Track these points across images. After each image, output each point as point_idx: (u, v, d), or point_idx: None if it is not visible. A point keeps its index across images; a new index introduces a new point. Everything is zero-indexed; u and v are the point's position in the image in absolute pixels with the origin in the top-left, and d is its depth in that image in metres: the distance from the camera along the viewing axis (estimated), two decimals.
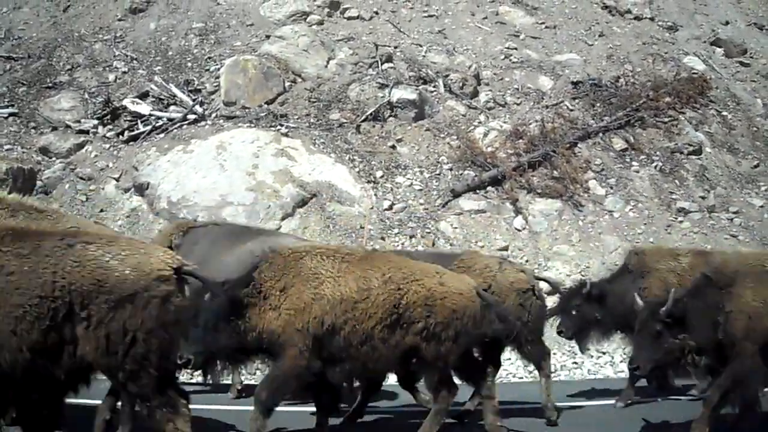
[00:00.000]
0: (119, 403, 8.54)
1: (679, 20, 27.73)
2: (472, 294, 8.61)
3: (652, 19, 27.30)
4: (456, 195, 19.01)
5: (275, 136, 19.48)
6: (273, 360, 8.29)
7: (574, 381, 14.71)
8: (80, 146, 19.87)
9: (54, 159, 19.66)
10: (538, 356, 10.89)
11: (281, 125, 19.86)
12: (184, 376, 11.75)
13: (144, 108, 20.75)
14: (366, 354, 8.19)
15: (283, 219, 17.71)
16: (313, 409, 9.10)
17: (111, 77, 21.83)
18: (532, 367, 14.93)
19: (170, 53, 22.69)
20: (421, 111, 20.82)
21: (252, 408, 8.19)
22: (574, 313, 11.51)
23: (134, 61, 22.41)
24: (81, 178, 19.18)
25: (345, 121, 20.43)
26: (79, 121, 20.40)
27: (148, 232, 17.61)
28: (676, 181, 20.69)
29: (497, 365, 10.78)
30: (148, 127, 20.23)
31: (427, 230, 18.02)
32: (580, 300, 11.53)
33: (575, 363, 15.50)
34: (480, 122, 21.11)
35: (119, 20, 23.88)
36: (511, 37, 24.72)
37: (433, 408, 8.76)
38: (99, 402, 8.61)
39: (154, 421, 6.80)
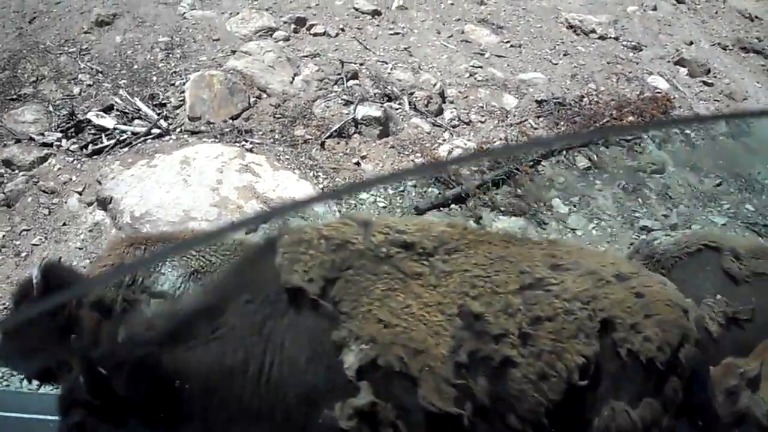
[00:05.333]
0: None
1: (643, 40, 28.03)
2: None
3: (616, 38, 27.57)
4: (420, 212, 18.98)
5: (240, 151, 19.44)
6: None
7: None
8: (44, 159, 19.73)
9: (17, 171, 19.52)
10: None
11: (246, 141, 19.83)
12: None
13: (108, 121, 20.66)
14: None
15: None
16: None
17: (76, 90, 21.73)
18: None
19: (135, 67, 22.62)
20: (385, 128, 20.87)
21: None
22: None
23: (99, 74, 22.31)
24: (44, 192, 19.05)
25: (310, 137, 20.42)
26: (42, 134, 20.28)
27: None
28: (639, 199, 20.85)
29: None
30: (112, 141, 20.15)
31: None
32: None
33: None
34: (444, 140, 21.17)
35: (85, 33, 23.76)
36: (476, 55, 24.86)
37: None
38: None
39: None
